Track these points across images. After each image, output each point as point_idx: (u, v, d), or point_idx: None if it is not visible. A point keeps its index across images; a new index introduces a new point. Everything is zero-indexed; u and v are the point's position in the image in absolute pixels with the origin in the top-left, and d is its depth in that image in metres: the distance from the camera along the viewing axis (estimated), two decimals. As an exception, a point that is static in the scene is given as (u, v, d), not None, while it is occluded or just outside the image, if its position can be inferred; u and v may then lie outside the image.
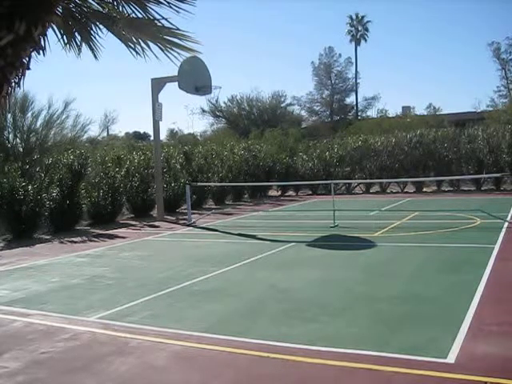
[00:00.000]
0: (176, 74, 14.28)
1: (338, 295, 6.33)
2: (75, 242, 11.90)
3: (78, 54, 4.05)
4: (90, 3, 3.80)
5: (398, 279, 6.93)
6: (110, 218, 15.35)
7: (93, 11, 3.82)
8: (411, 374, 3.92)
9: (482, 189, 21.19)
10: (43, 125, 16.96)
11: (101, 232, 13.43)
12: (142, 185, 16.82)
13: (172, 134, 51.17)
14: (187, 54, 4.33)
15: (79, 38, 3.95)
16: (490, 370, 3.89)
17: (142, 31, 3.93)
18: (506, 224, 11.27)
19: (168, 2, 3.61)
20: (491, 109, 38.26)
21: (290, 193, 24.86)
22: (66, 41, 3.92)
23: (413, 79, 75.12)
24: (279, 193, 25.03)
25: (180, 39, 4.03)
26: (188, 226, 14.12)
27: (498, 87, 45.09)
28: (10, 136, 16.29)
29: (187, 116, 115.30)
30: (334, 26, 78.03)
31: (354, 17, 51.07)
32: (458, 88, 71.72)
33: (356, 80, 50.73)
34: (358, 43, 51.25)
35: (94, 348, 4.87)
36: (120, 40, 4.03)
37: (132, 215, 16.91)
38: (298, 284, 6.91)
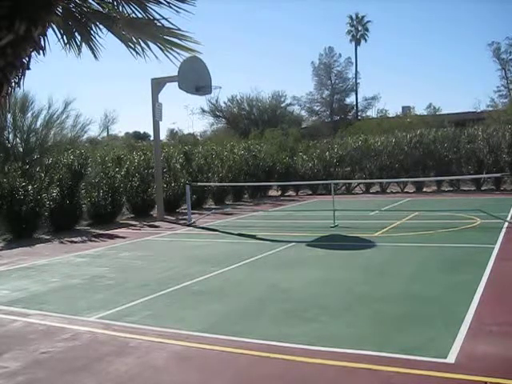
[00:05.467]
0: (176, 74, 14.28)
1: (338, 295, 6.33)
2: (75, 242, 11.90)
3: (78, 54, 4.05)
4: (90, 3, 3.80)
5: (398, 279, 6.93)
6: (110, 218, 15.34)
7: (93, 11, 3.82)
8: (411, 373, 3.92)
9: (482, 189, 21.19)
10: (43, 125, 16.96)
11: (101, 232, 13.43)
12: (142, 185, 16.82)
13: (172, 134, 51.17)
14: (187, 54, 4.33)
15: (79, 38, 3.95)
16: (490, 369, 3.89)
17: (142, 31, 3.93)
18: (506, 224, 11.27)
19: (168, 2, 3.62)
20: (491, 109, 38.28)
21: (290, 193, 24.85)
22: (66, 41, 3.92)
23: (413, 79, 75.28)
24: (279, 193, 25.03)
25: (180, 39, 4.03)
26: (188, 225, 14.12)
27: (497, 87, 45.17)
28: (10, 136, 16.30)
29: (187, 116, 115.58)
30: (334, 26, 78.24)
31: (354, 17, 51.09)
32: (458, 88, 71.84)
33: (356, 80, 50.77)
34: (358, 43, 51.25)
35: (93, 348, 4.87)
36: (120, 40, 4.03)
37: (132, 215, 16.91)
38: (298, 284, 6.91)
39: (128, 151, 19.79)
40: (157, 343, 4.89)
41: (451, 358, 4.15)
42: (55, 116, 17.30)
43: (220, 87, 16.52)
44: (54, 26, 3.72)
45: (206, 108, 45.16)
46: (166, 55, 4.12)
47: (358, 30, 51.16)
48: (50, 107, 17.13)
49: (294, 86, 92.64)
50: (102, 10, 3.85)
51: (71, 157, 14.61)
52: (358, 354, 4.33)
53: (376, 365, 4.10)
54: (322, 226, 12.32)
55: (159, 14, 3.76)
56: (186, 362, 4.45)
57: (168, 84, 15.96)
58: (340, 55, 50.78)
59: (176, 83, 14.92)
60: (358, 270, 7.66)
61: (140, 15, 3.75)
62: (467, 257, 8.24)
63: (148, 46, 4.05)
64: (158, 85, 15.93)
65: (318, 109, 51.57)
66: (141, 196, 16.81)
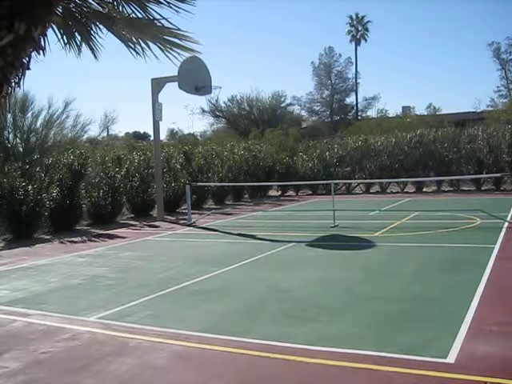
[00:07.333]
0: (176, 74, 14.28)
1: (338, 295, 6.33)
2: (75, 242, 11.89)
3: (78, 54, 4.05)
4: (90, 3, 3.80)
5: (398, 279, 6.93)
6: (110, 217, 15.34)
7: (93, 11, 3.82)
8: (411, 373, 3.92)
9: (482, 189, 21.19)
10: (43, 125, 16.96)
11: (101, 232, 13.43)
12: (142, 185, 16.81)
13: (172, 133, 51.17)
14: (187, 54, 4.34)
15: (79, 38, 3.95)
16: (490, 369, 3.89)
17: (142, 31, 3.93)
18: (506, 224, 11.27)
19: (168, 2, 3.62)
20: (491, 109, 38.28)
21: (290, 193, 24.85)
22: (66, 41, 3.92)
23: (413, 79, 75.23)
24: (279, 193, 25.03)
25: (180, 39, 4.04)
26: (188, 225, 14.12)
27: (498, 87, 45.14)
28: (10, 136, 16.30)
29: (187, 116, 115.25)
30: (334, 26, 78.19)
31: (354, 17, 51.10)
32: (458, 88, 71.79)
33: (356, 80, 50.78)
34: (358, 43, 51.26)
35: (93, 348, 4.87)
36: (120, 40, 4.04)
37: (132, 215, 16.91)
38: (298, 284, 6.91)
39: (128, 151, 19.78)
40: (157, 343, 4.89)
41: (451, 358, 4.15)
42: (55, 116, 17.31)
43: (220, 87, 16.56)
44: (54, 26, 3.72)
45: (206, 108, 45.17)
46: (166, 55, 4.13)
47: (358, 29, 51.16)
48: (50, 107, 17.14)
49: (294, 86, 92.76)
50: (102, 10, 3.85)
51: (71, 157, 14.61)
52: (358, 354, 4.33)
53: (376, 365, 4.10)
54: (322, 225, 12.32)
55: (159, 14, 3.76)
56: (186, 362, 4.45)
57: (168, 84, 15.96)
58: (340, 55, 50.87)
59: (176, 83, 14.92)
60: (358, 269, 7.66)
61: (140, 15, 3.75)
62: (467, 257, 8.24)
63: (148, 46, 4.06)
64: (158, 85, 15.93)
65: (318, 109, 51.62)
66: (141, 196, 16.80)
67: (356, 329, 5.03)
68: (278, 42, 79.40)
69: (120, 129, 73.05)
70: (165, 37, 4.00)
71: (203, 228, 13.47)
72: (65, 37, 3.90)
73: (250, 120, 44.49)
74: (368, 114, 50.53)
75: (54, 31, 3.79)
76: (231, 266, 8.30)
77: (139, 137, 46.74)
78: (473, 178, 20.82)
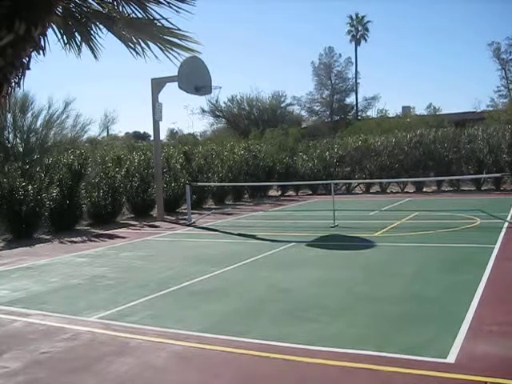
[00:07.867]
0: (176, 74, 14.28)
1: (338, 295, 6.33)
2: (75, 242, 11.89)
3: (78, 54, 4.06)
4: (90, 3, 3.80)
5: (398, 279, 6.93)
6: (109, 217, 15.34)
7: (93, 11, 3.82)
8: (411, 374, 3.92)
9: (482, 189, 21.19)
10: (43, 125, 17.00)
11: (101, 232, 13.43)
12: (142, 185, 16.81)
13: (172, 133, 51.20)
14: (187, 54, 4.34)
15: (79, 38, 3.95)
16: (490, 369, 3.89)
17: (142, 31, 3.93)
18: (506, 224, 11.27)
19: (168, 2, 3.62)
20: (491, 109, 38.31)
21: (290, 193, 24.85)
22: (66, 41, 3.92)
23: (413, 79, 75.18)
24: (279, 193, 25.03)
25: (180, 39, 4.04)
26: (188, 225, 14.12)
27: (498, 87, 45.16)
28: (10, 136, 16.33)
29: (187, 116, 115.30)
30: (334, 26, 78.16)
31: (354, 17, 51.12)
32: (458, 88, 71.80)
33: (356, 80, 50.80)
34: (358, 43, 51.28)
35: (93, 348, 4.87)
36: (120, 40, 4.04)
37: (132, 215, 16.90)
38: (298, 284, 6.91)
39: (128, 151, 19.79)
40: (157, 343, 4.89)
41: (451, 358, 4.15)
42: (55, 116, 17.36)
43: (220, 87, 16.55)
44: (54, 26, 3.73)
45: (206, 108, 45.14)
46: (165, 55, 4.13)
47: (358, 30, 51.18)
48: (50, 107, 17.20)
49: (294, 86, 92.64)
50: (102, 10, 3.85)
51: (71, 157, 14.61)
52: (358, 354, 4.33)
53: (376, 365, 4.10)
54: (322, 225, 12.32)
55: (159, 14, 3.76)
56: (186, 362, 4.45)
57: (168, 84, 15.96)
58: (340, 55, 50.87)
59: (176, 83, 14.91)
60: (358, 269, 7.66)
61: (140, 15, 3.75)
62: (467, 257, 8.24)
63: (148, 46, 4.06)
64: (158, 85, 15.93)
65: (318, 109, 51.61)
66: (141, 196, 16.80)
67: (356, 329, 5.03)
68: (278, 42, 79.50)
69: (120, 129, 73.14)
70: (165, 37, 4.00)
71: (203, 228, 13.47)
72: (65, 37, 3.90)
73: (250, 120, 44.47)
74: (368, 113, 50.60)
75: (54, 31, 3.79)
76: (231, 265, 8.30)
77: (139, 137, 46.73)
78: (473, 177, 20.81)
